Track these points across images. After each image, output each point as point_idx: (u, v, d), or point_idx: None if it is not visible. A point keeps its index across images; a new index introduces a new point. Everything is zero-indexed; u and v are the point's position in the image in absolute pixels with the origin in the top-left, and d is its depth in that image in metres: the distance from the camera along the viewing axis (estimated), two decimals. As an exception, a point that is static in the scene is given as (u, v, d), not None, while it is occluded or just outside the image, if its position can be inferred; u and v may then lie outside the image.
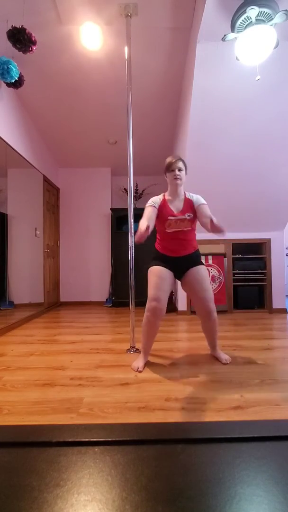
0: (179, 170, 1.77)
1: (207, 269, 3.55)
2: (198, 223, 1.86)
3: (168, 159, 1.81)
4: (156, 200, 1.84)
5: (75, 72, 2.74)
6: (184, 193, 1.86)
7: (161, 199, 1.84)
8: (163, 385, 1.55)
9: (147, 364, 1.85)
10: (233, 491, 0.30)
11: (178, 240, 1.81)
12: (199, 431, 0.43)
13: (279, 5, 1.78)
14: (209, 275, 3.55)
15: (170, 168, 1.78)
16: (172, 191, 1.83)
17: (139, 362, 1.80)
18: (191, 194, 1.87)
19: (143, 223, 1.56)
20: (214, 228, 1.51)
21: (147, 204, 1.83)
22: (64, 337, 2.56)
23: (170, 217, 1.78)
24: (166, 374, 1.69)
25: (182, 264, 1.85)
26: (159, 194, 1.91)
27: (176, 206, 1.81)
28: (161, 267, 1.81)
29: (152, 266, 1.86)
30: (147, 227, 1.52)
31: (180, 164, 1.78)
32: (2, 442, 0.40)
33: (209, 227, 1.54)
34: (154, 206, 1.80)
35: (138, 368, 1.75)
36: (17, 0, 2.07)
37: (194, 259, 1.86)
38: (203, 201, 1.83)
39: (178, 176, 1.76)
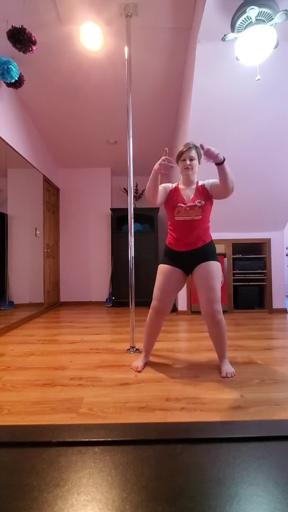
0: (191, 159, 1.71)
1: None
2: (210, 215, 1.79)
3: (181, 148, 1.76)
4: (167, 185, 1.80)
5: (75, 72, 2.74)
6: (197, 182, 1.78)
7: (174, 186, 1.80)
8: (163, 385, 1.55)
9: (147, 364, 1.85)
10: (233, 491, 0.30)
11: (187, 229, 1.72)
12: (199, 431, 0.43)
13: (279, 5, 1.78)
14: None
15: (181, 157, 1.74)
16: (184, 180, 1.78)
17: (139, 361, 1.80)
18: (205, 181, 1.78)
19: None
20: (209, 154, 1.49)
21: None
22: (64, 337, 2.56)
23: (179, 204, 1.72)
24: (166, 374, 1.69)
25: (191, 260, 1.75)
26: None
27: (187, 195, 1.75)
28: (168, 265, 1.76)
29: (161, 263, 1.81)
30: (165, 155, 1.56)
31: (193, 153, 1.71)
32: (2, 442, 0.40)
33: (206, 156, 1.53)
34: (164, 188, 1.77)
35: (137, 368, 1.75)
36: (17, 0, 2.07)
37: (204, 254, 1.73)
38: (216, 180, 1.73)
39: (188, 166, 1.71)
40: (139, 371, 1.73)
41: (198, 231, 1.73)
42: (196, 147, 1.73)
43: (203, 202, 1.71)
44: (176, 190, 1.78)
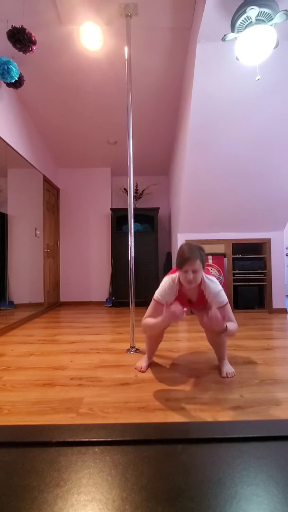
0: (194, 272, 1.42)
1: (207, 268, 3.57)
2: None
3: (183, 254, 1.43)
4: (165, 295, 1.55)
5: (75, 72, 2.74)
6: (201, 282, 1.52)
7: (176, 290, 1.56)
8: (163, 385, 1.54)
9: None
10: (233, 491, 0.30)
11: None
12: (199, 431, 0.43)
13: (279, 5, 1.77)
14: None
15: (182, 266, 1.43)
16: (185, 287, 1.56)
17: (142, 362, 1.80)
18: (207, 282, 1.53)
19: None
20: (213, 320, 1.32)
21: (154, 297, 1.60)
22: (64, 337, 2.56)
23: (185, 309, 1.49)
24: (166, 374, 1.69)
25: None
26: (172, 271, 1.64)
27: (191, 295, 1.62)
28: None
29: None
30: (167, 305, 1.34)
31: (197, 265, 1.41)
32: (2, 442, 0.40)
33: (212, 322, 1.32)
34: (171, 290, 1.55)
35: (141, 368, 1.74)
36: (17, 0, 2.07)
37: None
38: (222, 299, 1.51)
39: (191, 280, 1.42)
40: (143, 371, 1.73)
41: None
42: (200, 254, 1.44)
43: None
44: (180, 293, 1.59)
